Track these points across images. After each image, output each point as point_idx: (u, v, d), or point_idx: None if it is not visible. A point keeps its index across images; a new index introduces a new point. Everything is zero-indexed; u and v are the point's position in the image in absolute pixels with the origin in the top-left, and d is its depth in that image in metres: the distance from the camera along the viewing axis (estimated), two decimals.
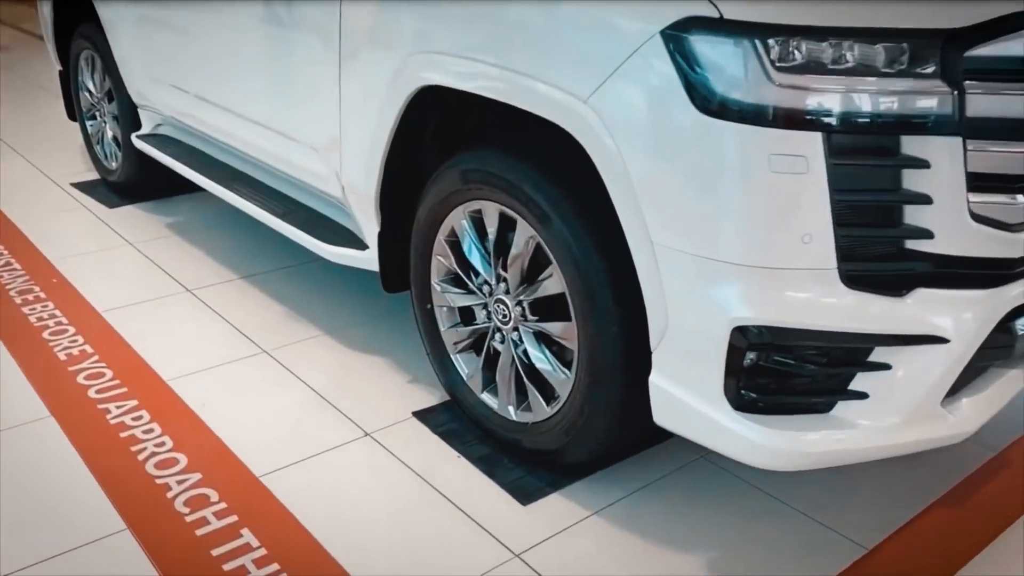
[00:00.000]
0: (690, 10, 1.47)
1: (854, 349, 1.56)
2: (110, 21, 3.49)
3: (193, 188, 3.53)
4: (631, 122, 1.56)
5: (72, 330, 2.74)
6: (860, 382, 1.58)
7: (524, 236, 1.89)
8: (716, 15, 1.45)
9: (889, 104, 1.44)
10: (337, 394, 2.43)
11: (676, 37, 1.47)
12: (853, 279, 1.51)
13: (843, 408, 1.60)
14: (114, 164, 3.91)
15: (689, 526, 1.93)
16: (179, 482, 2.04)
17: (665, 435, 1.94)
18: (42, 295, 2.97)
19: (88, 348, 2.63)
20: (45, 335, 2.71)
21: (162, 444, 2.18)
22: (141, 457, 2.13)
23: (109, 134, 3.89)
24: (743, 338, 1.53)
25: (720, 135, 1.46)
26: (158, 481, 2.04)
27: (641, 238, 1.61)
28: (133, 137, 3.55)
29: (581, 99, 1.61)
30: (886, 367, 1.57)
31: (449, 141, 2.29)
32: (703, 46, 1.45)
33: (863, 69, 1.43)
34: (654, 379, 1.69)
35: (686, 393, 1.65)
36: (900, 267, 1.53)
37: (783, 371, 1.57)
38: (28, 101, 5.69)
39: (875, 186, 1.48)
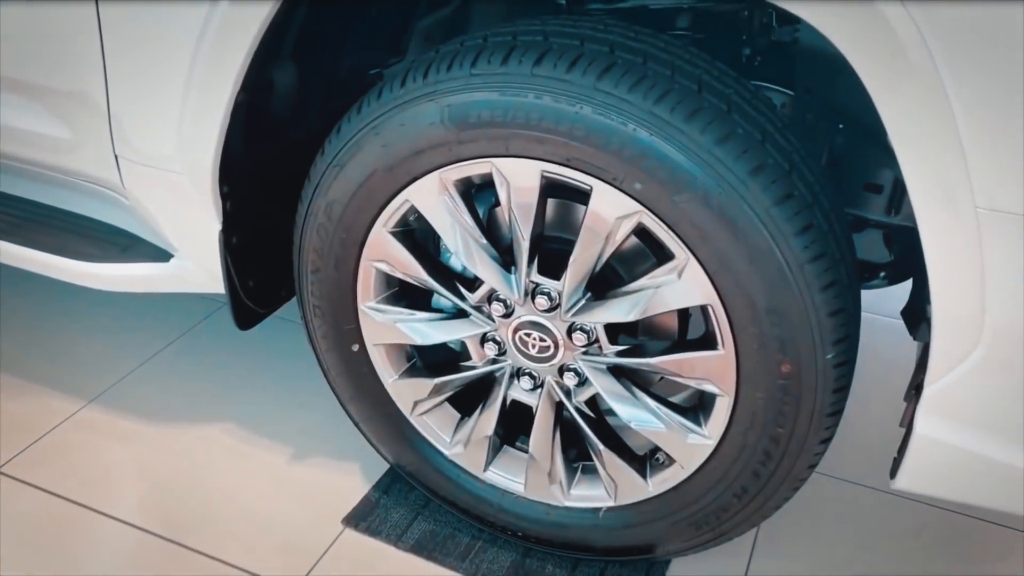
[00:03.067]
0: None
1: None
2: None
3: None
4: None
5: None
6: None
7: (610, 214, 1.03)
8: None
9: None
10: (181, 525, 1.38)
11: None
12: None
13: None
14: None
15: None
16: None
17: None
18: None
19: None
20: None
21: None
22: None
23: None
24: None
25: None
26: None
27: (950, 202, 0.87)
28: None
29: None
30: None
31: (313, 52, 1.29)
32: None
33: None
34: (925, 429, 1.00)
35: (995, 445, 0.98)
36: None
37: None
38: None
39: None
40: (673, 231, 1.01)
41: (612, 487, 1.24)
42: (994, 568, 1.38)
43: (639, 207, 1.01)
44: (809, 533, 1.42)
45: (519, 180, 1.06)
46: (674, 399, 1.20)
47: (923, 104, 0.84)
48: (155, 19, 1.12)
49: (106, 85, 1.21)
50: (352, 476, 1.48)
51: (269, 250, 1.36)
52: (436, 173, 1.09)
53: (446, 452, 1.32)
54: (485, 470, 1.31)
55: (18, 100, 1.31)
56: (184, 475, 1.48)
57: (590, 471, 1.27)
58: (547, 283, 1.12)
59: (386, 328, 1.24)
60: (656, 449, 1.21)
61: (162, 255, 1.39)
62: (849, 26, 0.84)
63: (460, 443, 1.31)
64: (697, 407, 1.16)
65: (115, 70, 1.19)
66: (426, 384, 1.27)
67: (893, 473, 1.08)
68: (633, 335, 1.19)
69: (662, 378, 1.20)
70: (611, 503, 1.25)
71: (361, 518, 1.40)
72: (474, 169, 1.08)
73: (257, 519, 1.40)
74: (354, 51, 1.42)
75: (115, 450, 1.53)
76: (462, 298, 1.18)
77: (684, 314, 1.16)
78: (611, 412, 1.21)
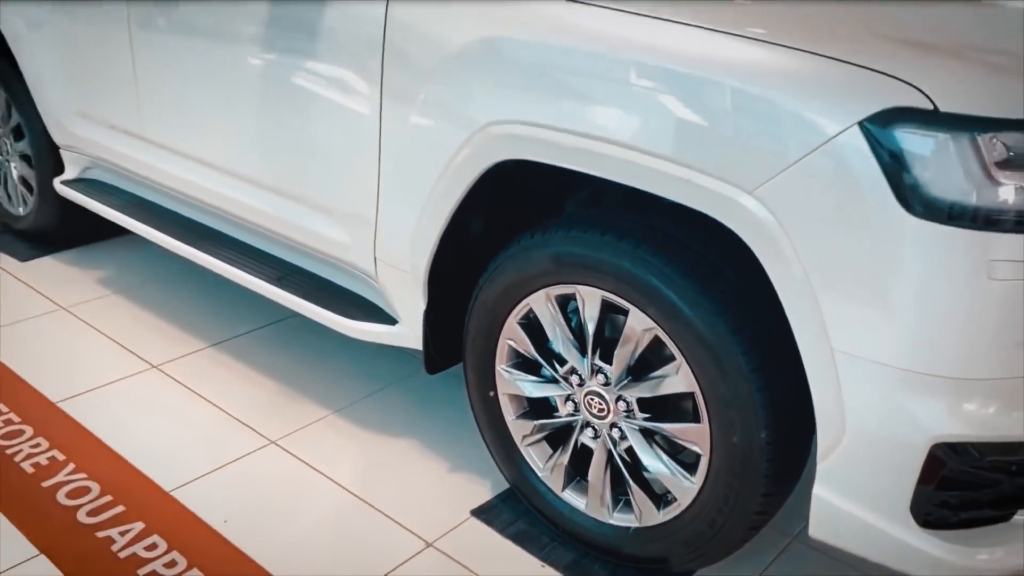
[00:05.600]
0: (897, 100, 1.31)
1: None
2: (21, 43, 2.98)
3: (117, 231, 3.08)
4: (813, 217, 1.38)
5: (29, 431, 2.30)
6: None
7: (638, 327, 1.68)
8: (930, 107, 1.29)
9: None
10: (374, 493, 2.14)
11: (880, 127, 1.31)
12: None
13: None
14: (22, 209, 3.38)
15: None
16: None
17: None
18: None
19: (58, 455, 2.21)
20: None
21: None
22: None
23: (15, 175, 3.35)
24: (944, 455, 1.40)
25: (932, 239, 1.31)
26: None
27: (817, 343, 1.44)
28: (57, 183, 3.06)
29: (746, 189, 1.43)
30: None
31: (501, 207, 2.05)
32: (913, 140, 1.30)
33: None
34: (820, 492, 1.54)
35: (860, 508, 1.50)
36: None
37: (976, 485, 1.45)
38: None
39: None
40: (674, 342, 1.64)
41: (639, 513, 1.83)
42: None
43: (654, 324, 1.65)
44: None
45: (590, 300, 1.74)
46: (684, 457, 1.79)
47: (795, 282, 1.43)
48: (410, 178, 1.94)
49: (377, 213, 2.05)
50: (484, 486, 2.17)
51: (451, 324, 2.11)
52: (544, 290, 1.80)
53: (540, 474, 1.98)
54: (562, 491, 1.96)
55: (322, 216, 2.20)
56: (382, 464, 2.25)
57: (627, 501, 1.87)
58: (605, 366, 1.78)
59: (510, 383, 1.95)
60: (668, 491, 1.79)
61: (391, 320, 2.20)
62: (748, 233, 1.45)
63: (549, 469, 1.96)
64: (690, 463, 1.74)
65: (384, 204, 2.02)
66: (531, 424, 1.96)
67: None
68: (663, 409, 1.79)
69: (684, 449, 1.79)
70: (638, 525, 1.84)
71: (482, 512, 2.09)
72: (566, 290, 1.78)
73: (419, 499, 2.12)
74: (526, 209, 2.17)
75: (344, 442, 2.33)
76: (555, 370, 1.87)
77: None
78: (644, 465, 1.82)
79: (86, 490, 2.09)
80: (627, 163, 1.56)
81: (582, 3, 1.64)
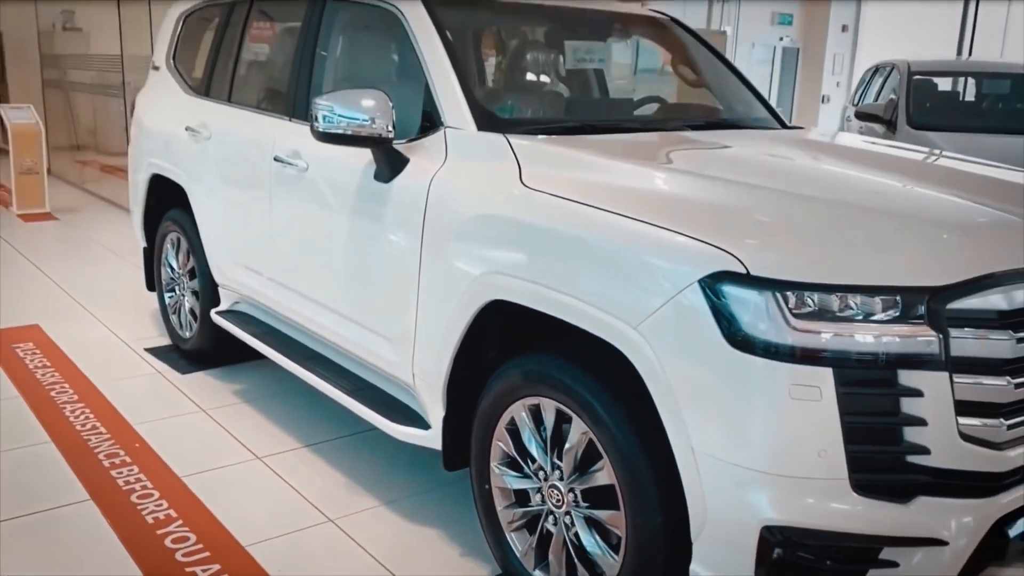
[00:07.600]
0: (722, 265, 1.83)
1: (866, 548, 1.82)
2: (199, 205, 3.95)
3: (255, 356, 3.87)
4: (673, 348, 1.89)
5: (157, 494, 3.02)
6: None
7: (578, 432, 2.19)
8: (744, 271, 1.80)
9: (886, 345, 1.76)
10: (397, 564, 2.67)
11: (711, 285, 1.83)
12: (863, 487, 1.79)
13: None
14: (188, 334, 4.29)
15: None
16: None
17: None
18: (127, 459, 3.27)
19: (172, 512, 2.90)
20: (133, 499, 2.99)
21: None
22: None
23: (187, 306, 4.29)
24: (771, 537, 1.80)
25: (748, 366, 1.78)
26: None
27: (683, 444, 1.90)
28: (213, 313, 3.94)
29: (632, 325, 1.96)
30: (894, 564, 1.82)
31: (508, 337, 2.63)
32: (733, 294, 1.80)
33: (865, 316, 1.77)
34: (695, 568, 1.95)
35: None
36: (903, 478, 1.81)
37: (807, 566, 1.83)
38: (99, 265, 6.19)
39: (878, 410, 1.79)
40: (600, 443, 2.13)
41: None
42: None
43: (588, 429, 2.16)
44: None
45: (548, 409, 2.27)
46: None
47: (666, 396, 1.91)
48: (436, 309, 2.57)
49: (415, 336, 2.69)
50: (484, 568, 2.65)
51: (466, 428, 2.66)
52: (520, 400, 2.35)
53: (519, 556, 2.45)
54: (533, 570, 2.41)
55: (382, 340, 2.86)
56: (410, 545, 2.78)
57: None
58: (560, 463, 2.28)
59: (500, 478, 2.47)
60: (604, 572, 2.22)
61: (427, 425, 2.79)
62: (635, 358, 1.96)
63: (524, 552, 2.43)
64: (616, 545, 2.18)
65: (419, 329, 2.66)
66: (514, 512, 2.45)
67: None
68: (604, 499, 2.24)
69: (620, 538, 2.23)
70: None
71: None
72: (535, 401, 2.32)
73: (432, 566, 2.63)
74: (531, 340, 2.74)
75: (385, 527, 2.89)
76: (529, 467, 2.38)
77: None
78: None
79: (186, 538, 2.75)
80: (563, 304, 2.13)
81: (536, 191, 2.28)
